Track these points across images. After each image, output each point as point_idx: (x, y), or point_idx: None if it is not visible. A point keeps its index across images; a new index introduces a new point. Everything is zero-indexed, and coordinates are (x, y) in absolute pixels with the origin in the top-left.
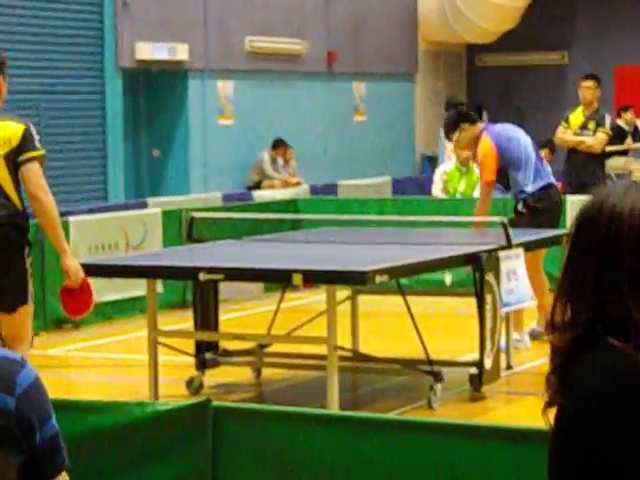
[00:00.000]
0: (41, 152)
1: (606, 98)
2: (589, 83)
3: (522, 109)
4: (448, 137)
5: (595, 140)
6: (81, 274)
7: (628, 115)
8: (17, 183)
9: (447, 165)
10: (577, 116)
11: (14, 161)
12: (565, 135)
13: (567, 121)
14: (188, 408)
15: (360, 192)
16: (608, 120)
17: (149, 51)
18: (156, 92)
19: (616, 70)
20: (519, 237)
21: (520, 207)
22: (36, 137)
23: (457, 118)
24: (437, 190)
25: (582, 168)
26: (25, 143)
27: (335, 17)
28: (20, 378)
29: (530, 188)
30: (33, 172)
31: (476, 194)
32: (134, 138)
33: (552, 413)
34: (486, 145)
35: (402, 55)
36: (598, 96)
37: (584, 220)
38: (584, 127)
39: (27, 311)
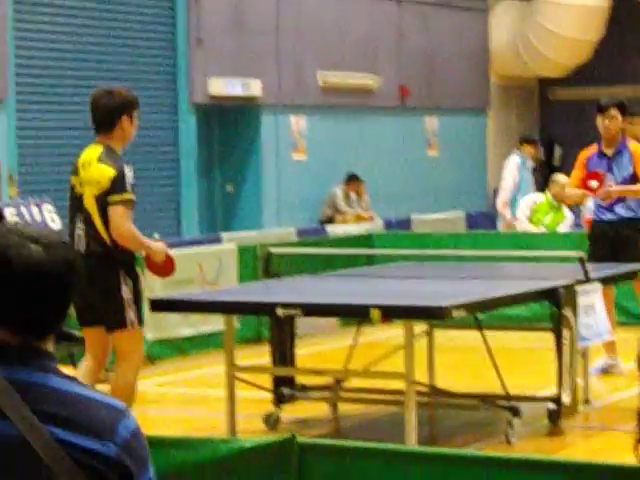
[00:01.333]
0: (127, 196)
1: None
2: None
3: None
4: (608, 108)
5: None
6: (161, 255)
7: None
8: (106, 220)
9: (538, 196)
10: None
11: (104, 201)
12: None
13: None
14: (273, 445)
15: (434, 226)
16: None
17: (222, 87)
18: (229, 127)
19: None
20: (597, 271)
21: None
22: (128, 181)
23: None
24: (522, 216)
25: None
26: (114, 186)
27: (407, 51)
28: (122, 426)
29: None
30: (114, 213)
31: (560, 229)
32: (207, 173)
33: None
34: None
35: (474, 89)
36: None
37: None
38: None
39: (125, 335)
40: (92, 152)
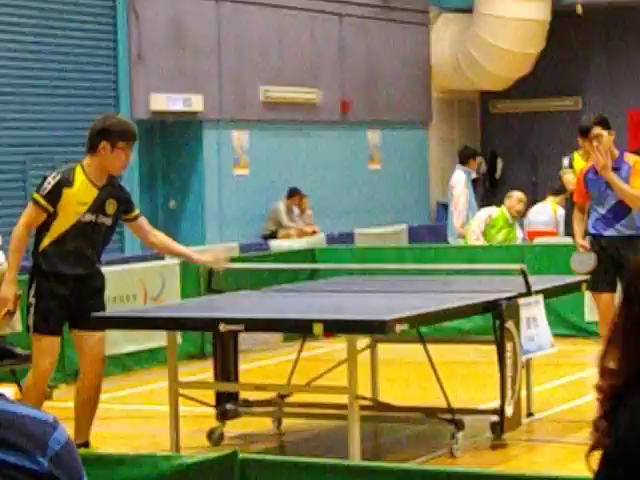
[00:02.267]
0: (37, 197)
1: (619, 143)
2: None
3: (536, 155)
4: (589, 130)
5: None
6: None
7: None
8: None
9: (493, 211)
10: (579, 161)
11: None
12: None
13: (572, 167)
14: (215, 460)
15: (376, 240)
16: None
17: (164, 102)
18: (171, 143)
19: (629, 115)
20: (538, 284)
21: None
22: (46, 187)
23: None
24: (478, 230)
25: None
26: (39, 185)
27: (349, 66)
28: (52, 440)
29: None
30: (24, 212)
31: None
32: (150, 189)
33: (593, 457)
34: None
35: (416, 103)
36: None
37: (636, 273)
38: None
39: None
40: None
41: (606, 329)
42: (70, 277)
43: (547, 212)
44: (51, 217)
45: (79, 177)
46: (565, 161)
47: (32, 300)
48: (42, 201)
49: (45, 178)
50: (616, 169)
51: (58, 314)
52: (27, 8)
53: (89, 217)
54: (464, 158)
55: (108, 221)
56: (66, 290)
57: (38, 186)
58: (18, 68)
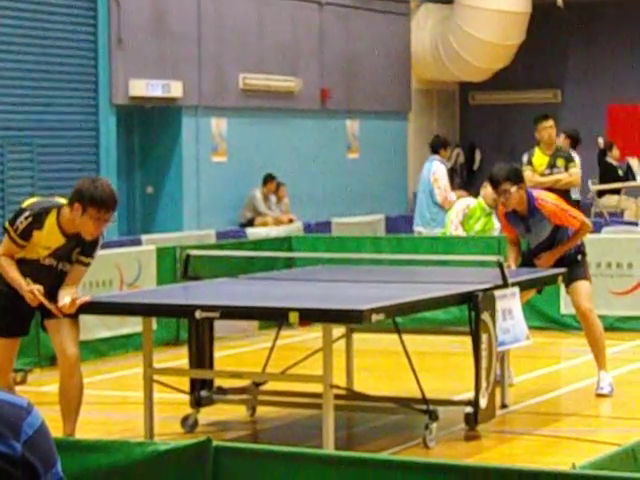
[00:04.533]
0: (12, 233)
1: (597, 136)
2: (549, 123)
3: (515, 147)
4: (499, 183)
5: (572, 176)
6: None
7: (614, 152)
8: None
9: (471, 201)
10: (540, 157)
11: None
12: (538, 177)
13: (530, 164)
14: (189, 448)
15: (354, 230)
16: (577, 157)
17: (143, 88)
18: (150, 129)
19: (608, 108)
20: (514, 276)
21: (580, 257)
22: (20, 225)
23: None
24: (456, 220)
25: None
26: (13, 217)
27: (329, 55)
28: (26, 424)
29: None
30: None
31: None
32: (128, 175)
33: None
34: (553, 196)
35: (395, 93)
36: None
37: None
38: (552, 166)
39: None
40: (61, 199)
41: None
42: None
43: None
44: None
45: (50, 222)
46: (524, 157)
47: None
48: (17, 239)
49: (21, 212)
50: (530, 218)
51: (11, 316)
52: None
53: (49, 262)
54: (437, 148)
55: (66, 268)
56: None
57: (12, 218)
58: None
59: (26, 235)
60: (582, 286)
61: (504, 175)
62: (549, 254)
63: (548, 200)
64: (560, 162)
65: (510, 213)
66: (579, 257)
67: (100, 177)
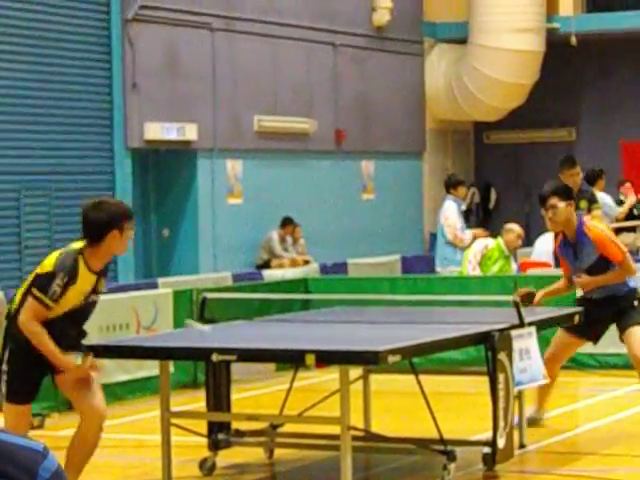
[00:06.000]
0: (44, 299)
1: (612, 173)
2: (576, 170)
3: (530, 186)
4: (546, 198)
5: (593, 219)
6: (81, 370)
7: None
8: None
9: (489, 241)
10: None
11: (31, 283)
12: None
13: None
14: None
15: (370, 270)
16: (607, 197)
17: (158, 131)
18: (165, 172)
19: (623, 146)
20: (531, 315)
21: (636, 303)
22: (53, 288)
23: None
24: (474, 260)
25: None
26: (40, 281)
27: (343, 96)
28: (42, 468)
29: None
30: (27, 303)
31: None
32: (144, 218)
33: None
34: (604, 224)
35: (410, 133)
36: None
37: None
38: (576, 207)
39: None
40: (75, 244)
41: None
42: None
43: (551, 243)
44: None
45: (81, 270)
46: None
47: (4, 367)
48: (50, 303)
49: (52, 276)
50: (577, 243)
51: (31, 383)
52: (23, 37)
53: (82, 302)
54: (450, 186)
55: (98, 297)
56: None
57: (42, 283)
58: (14, 96)
59: (61, 296)
60: (638, 332)
61: (551, 190)
62: (590, 278)
63: (597, 225)
64: (583, 204)
65: (562, 243)
66: (635, 303)
67: (92, 199)
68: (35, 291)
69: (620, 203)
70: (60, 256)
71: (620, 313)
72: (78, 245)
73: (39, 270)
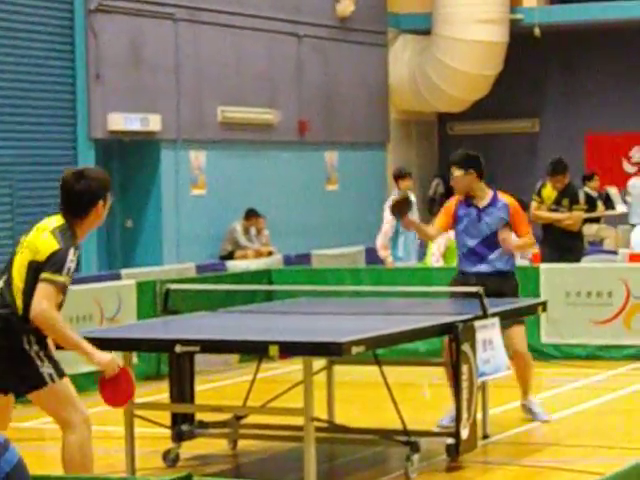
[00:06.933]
0: (59, 278)
1: (576, 166)
2: (565, 178)
3: (494, 176)
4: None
5: (573, 219)
6: (114, 364)
7: (593, 183)
8: (31, 291)
9: (452, 233)
10: (549, 191)
11: (35, 273)
12: (540, 213)
13: (539, 195)
14: None
15: (334, 261)
16: (582, 195)
17: (121, 122)
18: (129, 163)
19: (586, 138)
20: (494, 307)
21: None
22: (67, 265)
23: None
24: (438, 253)
25: (559, 242)
26: (49, 263)
27: (307, 87)
28: (3, 461)
29: None
30: (40, 291)
31: None
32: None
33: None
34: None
35: (374, 124)
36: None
37: None
38: (558, 203)
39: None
40: (52, 221)
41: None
42: None
43: None
44: None
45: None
46: (538, 184)
47: (35, 348)
48: (66, 280)
49: (63, 254)
50: (488, 207)
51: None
52: None
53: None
54: (394, 179)
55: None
56: None
57: (53, 265)
58: None
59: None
60: (521, 331)
61: (451, 160)
62: (514, 241)
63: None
64: (565, 202)
65: (465, 204)
66: (515, 289)
67: (71, 169)
68: (46, 275)
69: (589, 198)
70: (58, 234)
71: (501, 297)
72: (59, 221)
73: (37, 257)
